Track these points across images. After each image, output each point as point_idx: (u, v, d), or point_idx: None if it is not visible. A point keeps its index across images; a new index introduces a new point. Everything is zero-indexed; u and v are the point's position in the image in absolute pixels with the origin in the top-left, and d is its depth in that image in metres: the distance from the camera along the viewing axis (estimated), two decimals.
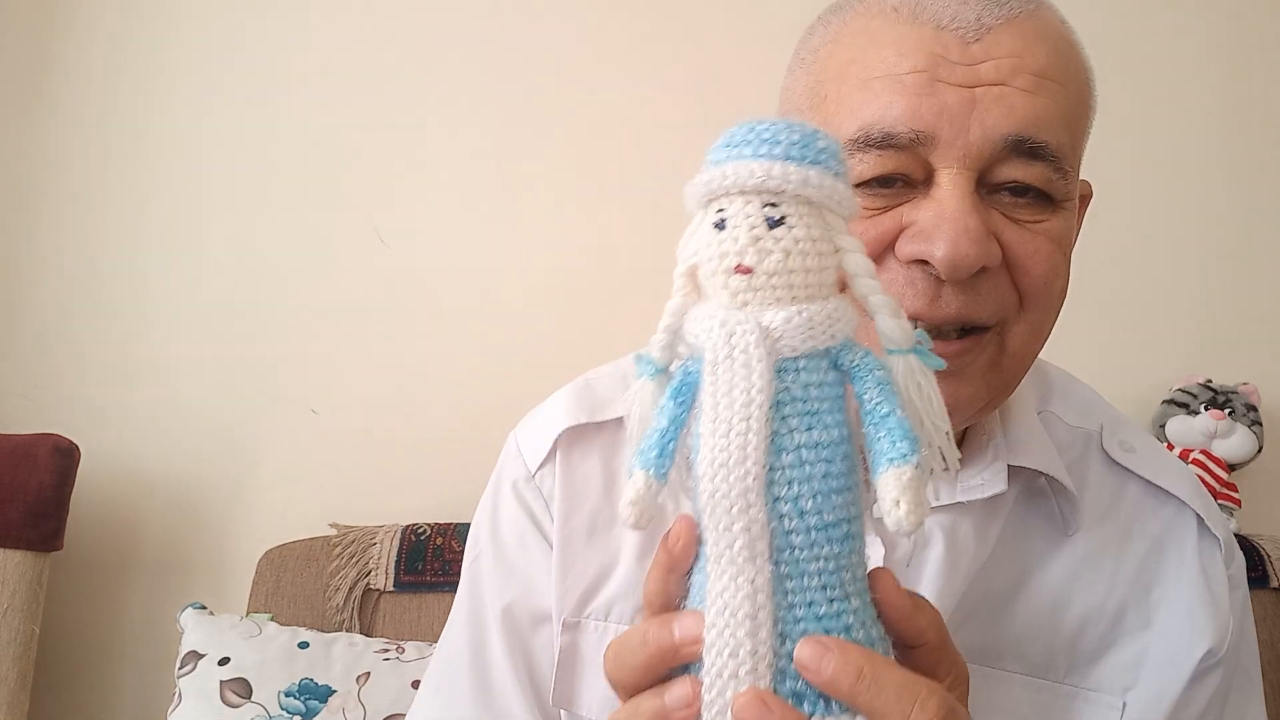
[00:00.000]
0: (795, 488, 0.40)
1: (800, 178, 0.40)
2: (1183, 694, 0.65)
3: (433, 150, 1.60)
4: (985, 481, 0.64)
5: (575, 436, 0.72)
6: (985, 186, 0.58)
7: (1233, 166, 1.62)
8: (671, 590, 0.43)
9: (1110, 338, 1.60)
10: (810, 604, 0.41)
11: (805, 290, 0.41)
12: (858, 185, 0.58)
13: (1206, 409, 1.50)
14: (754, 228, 0.41)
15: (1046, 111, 0.57)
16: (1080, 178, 0.64)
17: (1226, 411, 1.50)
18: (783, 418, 0.40)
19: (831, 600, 0.41)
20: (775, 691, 0.40)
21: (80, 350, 1.56)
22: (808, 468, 0.40)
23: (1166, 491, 0.69)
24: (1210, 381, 1.54)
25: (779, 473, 0.40)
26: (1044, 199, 0.58)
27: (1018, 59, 0.56)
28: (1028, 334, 0.60)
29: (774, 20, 1.60)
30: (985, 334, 0.59)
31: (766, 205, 0.41)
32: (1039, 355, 0.64)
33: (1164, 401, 1.55)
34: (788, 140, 0.41)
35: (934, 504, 0.65)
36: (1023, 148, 0.56)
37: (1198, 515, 0.69)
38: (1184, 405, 1.52)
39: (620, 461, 0.71)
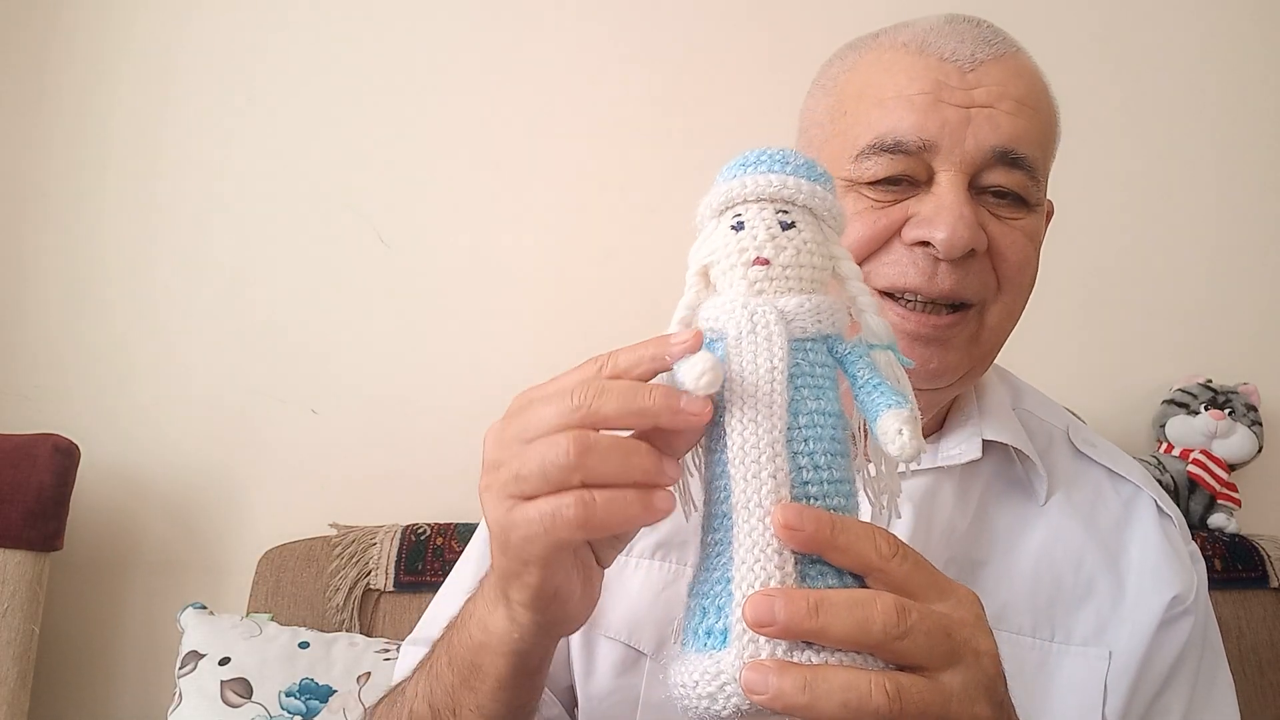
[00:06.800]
0: (811, 444, 0.46)
1: (809, 190, 0.48)
2: (1154, 637, 0.73)
3: (433, 151, 1.60)
4: (962, 451, 0.76)
5: None
6: (974, 188, 0.69)
7: (1233, 167, 1.62)
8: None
9: (1111, 338, 1.60)
10: None
11: (810, 284, 0.48)
12: (870, 183, 0.70)
13: (1206, 409, 1.50)
14: (770, 228, 0.47)
15: (1025, 131, 0.69)
16: (1055, 189, 0.75)
17: (1226, 411, 1.50)
18: (796, 388, 0.46)
19: None
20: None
21: (80, 350, 1.56)
22: (819, 429, 0.46)
23: (1124, 477, 0.80)
24: (1210, 381, 1.54)
25: (796, 431, 0.45)
26: (1020, 201, 0.71)
27: (1003, 87, 0.69)
28: (1003, 312, 0.72)
29: (766, 32, 1.61)
30: (969, 310, 0.71)
31: (779, 211, 0.48)
32: (1004, 347, 0.76)
33: (1164, 401, 1.55)
34: (795, 161, 0.49)
35: (916, 467, 0.73)
36: (1006, 158, 0.69)
37: (1153, 498, 0.79)
38: (1184, 405, 1.52)
39: None
